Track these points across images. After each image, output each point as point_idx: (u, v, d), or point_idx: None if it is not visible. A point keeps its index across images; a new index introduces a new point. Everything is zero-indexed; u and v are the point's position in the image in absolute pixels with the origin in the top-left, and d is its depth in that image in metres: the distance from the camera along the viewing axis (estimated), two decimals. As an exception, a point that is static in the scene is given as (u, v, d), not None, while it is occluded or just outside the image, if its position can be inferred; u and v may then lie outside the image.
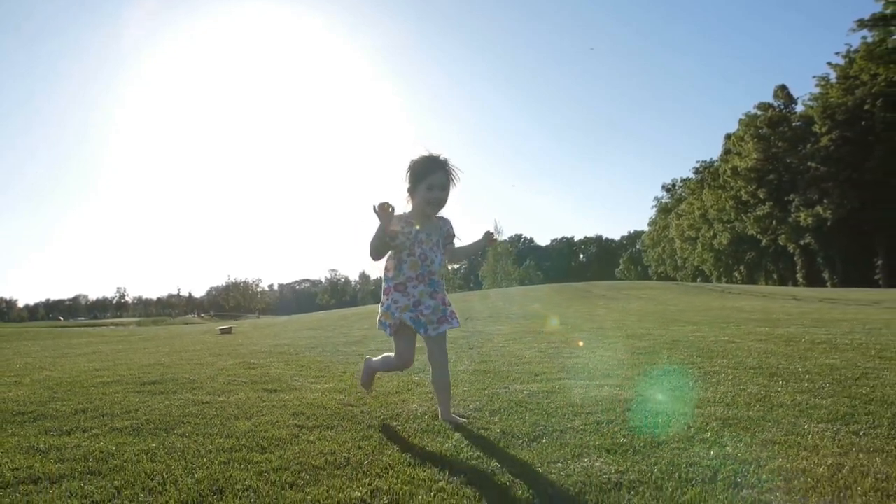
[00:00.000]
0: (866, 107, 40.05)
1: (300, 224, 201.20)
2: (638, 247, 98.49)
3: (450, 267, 2.94)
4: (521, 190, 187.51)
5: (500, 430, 2.51)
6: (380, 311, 2.77)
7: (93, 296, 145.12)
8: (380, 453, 2.21)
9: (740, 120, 52.56)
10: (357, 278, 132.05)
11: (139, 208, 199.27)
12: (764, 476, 1.85)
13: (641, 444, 2.25)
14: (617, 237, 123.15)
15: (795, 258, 49.56)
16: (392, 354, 2.84)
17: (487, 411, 2.88)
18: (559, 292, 20.18)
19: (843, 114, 41.87)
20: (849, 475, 1.85)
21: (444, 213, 2.80)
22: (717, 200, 56.74)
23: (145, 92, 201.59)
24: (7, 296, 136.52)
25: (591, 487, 1.81)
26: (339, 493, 1.78)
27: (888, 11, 37.62)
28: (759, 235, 51.30)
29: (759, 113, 50.71)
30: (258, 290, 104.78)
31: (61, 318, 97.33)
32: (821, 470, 1.90)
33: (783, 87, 50.90)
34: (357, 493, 1.77)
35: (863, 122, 41.18)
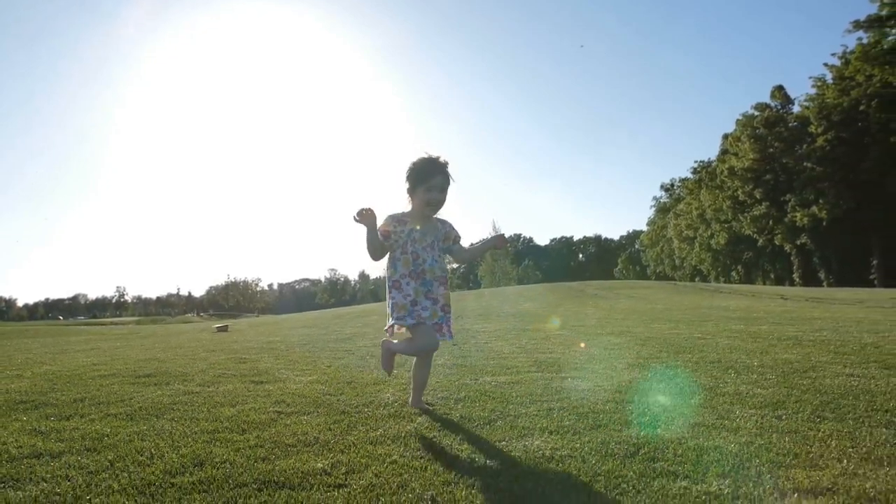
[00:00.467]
0: (862, 108, 40.29)
1: (300, 223, 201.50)
2: (637, 247, 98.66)
3: (448, 267, 3.08)
4: (521, 190, 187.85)
5: (460, 415, 2.76)
6: (388, 315, 2.89)
7: (92, 295, 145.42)
8: (347, 434, 2.45)
9: (737, 120, 52.79)
10: (356, 278, 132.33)
11: (139, 208, 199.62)
12: (680, 452, 2.10)
13: (583, 426, 2.50)
14: (616, 237, 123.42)
15: (792, 258, 49.80)
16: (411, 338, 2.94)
17: (453, 399, 3.13)
18: (553, 291, 20.43)
19: (839, 114, 42.11)
20: (755, 451, 2.10)
21: (442, 213, 2.90)
22: (715, 200, 56.97)
23: (145, 91, 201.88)
24: (6, 295, 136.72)
25: (526, 460, 2.06)
26: (304, 465, 2.03)
27: (883, 13, 37.86)
28: (755, 235, 51.54)
29: (756, 113, 50.94)
30: (258, 289, 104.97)
31: (61, 318, 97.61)
32: (732, 447, 2.15)
33: (780, 88, 51.14)
34: (319, 465, 2.02)
35: (859, 123, 41.44)
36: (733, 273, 60.36)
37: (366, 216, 2.66)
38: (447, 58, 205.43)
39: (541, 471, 1.94)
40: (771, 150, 48.19)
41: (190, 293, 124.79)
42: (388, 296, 2.88)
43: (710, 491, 1.73)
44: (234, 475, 1.93)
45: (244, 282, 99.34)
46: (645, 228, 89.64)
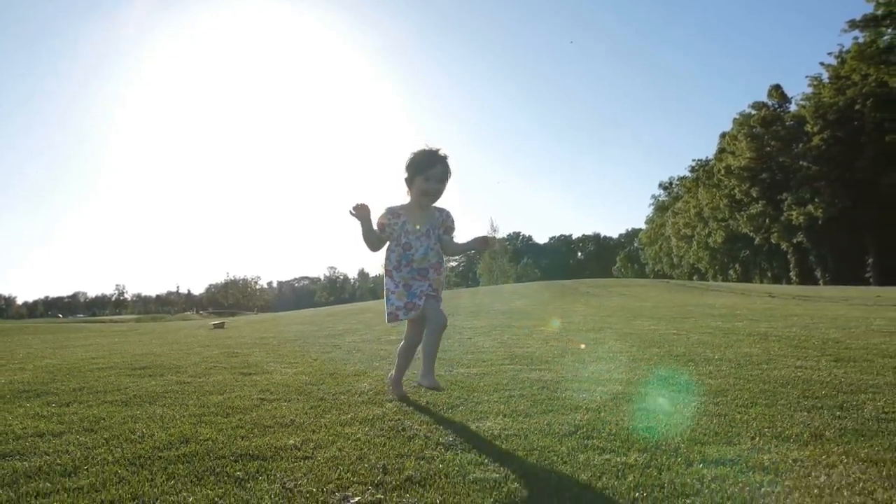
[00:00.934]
0: (857, 107, 40.52)
1: (299, 222, 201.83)
2: (635, 245, 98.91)
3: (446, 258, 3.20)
4: (520, 188, 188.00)
5: (427, 401, 3.02)
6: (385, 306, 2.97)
7: (92, 293, 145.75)
8: (320, 417, 2.71)
9: (734, 119, 53.03)
10: (356, 276, 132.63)
11: (138, 206, 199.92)
12: (614, 432, 2.35)
13: (535, 411, 2.75)
14: (615, 235, 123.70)
15: (789, 256, 50.06)
16: (402, 344, 3.10)
17: (424, 389, 3.37)
18: (547, 289, 20.69)
19: (835, 113, 42.35)
20: (680, 432, 2.35)
21: (445, 205, 2.98)
22: (712, 199, 57.22)
23: (145, 90, 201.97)
24: (6, 293, 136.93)
25: (475, 438, 2.31)
26: (278, 441, 2.28)
27: (879, 12, 38.07)
28: (752, 234, 51.83)
29: (753, 112, 51.17)
30: (257, 287, 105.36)
31: (60, 316, 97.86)
32: (661, 428, 2.40)
33: (777, 87, 51.36)
34: (291, 442, 2.27)
35: (854, 123, 41.67)
36: (731, 271, 60.63)
37: (360, 209, 2.77)
38: (447, 58, 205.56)
39: (486, 446, 2.19)
40: (767, 148, 48.42)
41: (189, 291, 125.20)
42: (385, 284, 2.98)
43: (627, 462, 1.98)
44: (214, 450, 2.18)
45: (243, 280, 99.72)
46: (644, 227, 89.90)
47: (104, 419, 2.75)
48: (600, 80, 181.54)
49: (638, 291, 17.83)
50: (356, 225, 2.87)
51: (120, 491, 1.79)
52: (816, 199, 43.21)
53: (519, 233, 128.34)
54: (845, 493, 1.67)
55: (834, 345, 4.92)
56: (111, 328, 14.54)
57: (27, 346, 7.65)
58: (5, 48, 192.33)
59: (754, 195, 50.15)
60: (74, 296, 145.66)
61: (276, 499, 1.70)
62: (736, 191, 52.12)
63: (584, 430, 2.38)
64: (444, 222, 2.96)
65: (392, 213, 2.88)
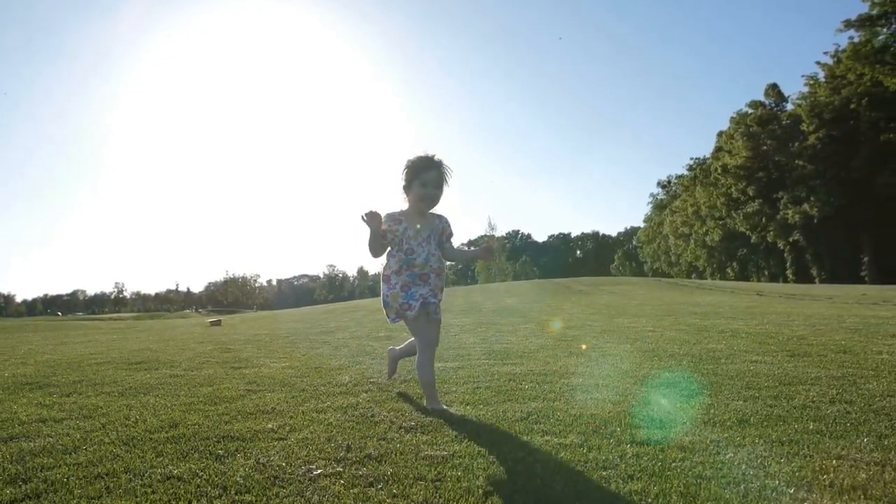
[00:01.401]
0: (852, 106, 40.75)
1: (299, 220, 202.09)
2: (634, 243, 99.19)
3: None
4: (519, 187, 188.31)
5: (398, 392, 3.27)
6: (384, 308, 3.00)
7: (91, 291, 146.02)
8: (300, 405, 2.96)
9: (731, 118, 53.29)
10: (355, 274, 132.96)
11: (138, 204, 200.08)
12: (561, 417, 2.60)
13: (496, 400, 3.00)
14: (614, 233, 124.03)
15: (785, 255, 50.32)
16: (412, 340, 3.10)
17: (399, 380, 3.63)
18: (541, 287, 20.96)
19: (830, 113, 42.58)
20: (621, 417, 2.60)
21: (442, 210, 3.04)
22: (709, 197, 57.48)
23: (143, 89, 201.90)
24: (5, 291, 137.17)
25: (435, 424, 2.55)
26: (258, 426, 2.54)
27: (874, 12, 38.29)
28: (748, 232, 52.07)
29: (750, 111, 51.42)
30: (256, 285, 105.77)
31: (59, 314, 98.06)
32: (606, 415, 2.64)
33: (774, 86, 51.57)
34: (270, 426, 2.53)
35: (850, 122, 41.91)
36: (728, 270, 60.85)
37: (372, 217, 2.82)
38: (447, 58, 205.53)
39: (443, 430, 2.44)
40: (764, 147, 48.66)
41: (189, 289, 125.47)
42: (382, 288, 3.03)
43: (564, 442, 2.23)
44: (200, 433, 2.44)
45: (243, 278, 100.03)
46: (642, 225, 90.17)
47: (101, 407, 3.00)
48: (600, 80, 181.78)
49: (628, 290, 18.10)
50: (362, 229, 2.93)
51: (114, 465, 2.04)
52: (812, 198, 43.46)
53: (518, 231, 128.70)
54: (743, 468, 1.92)
55: (797, 341, 5.17)
56: (110, 326, 14.79)
57: (28, 342, 7.90)
58: (4, 48, 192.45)
59: (751, 194, 50.41)
60: (73, 294, 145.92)
61: (250, 471, 1.95)
62: (732, 189, 52.38)
63: (535, 416, 2.63)
64: (445, 230, 3.04)
65: (393, 218, 2.94)
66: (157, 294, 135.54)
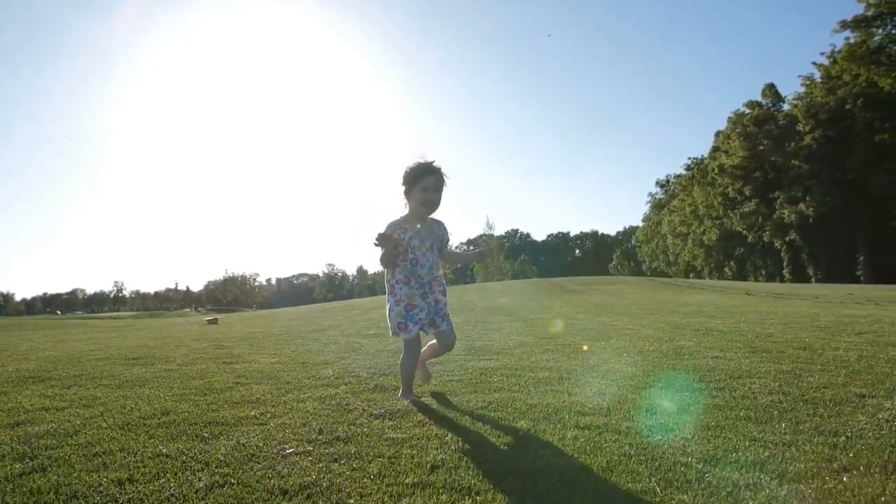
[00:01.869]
0: (848, 106, 41.03)
1: (299, 219, 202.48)
2: (633, 242, 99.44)
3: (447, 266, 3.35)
4: (519, 187, 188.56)
5: (375, 384, 3.52)
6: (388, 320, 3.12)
7: (90, 290, 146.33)
8: (283, 395, 3.21)
9: (728, 118, 53.60)
10: (354, 272, 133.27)
11: (137, 203, 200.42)
12: (518, 406, 2.86)
13: (464, 391, 3.26)
14: (612, 233, 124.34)
15: (782, 254, 50.61)
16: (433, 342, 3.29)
17: (380, 374, 3.88)
18: (535, 286, 21.22)
19: (826, 113, 42.86)
20: (571, 406, 2.85)
21: (441, 212, 3.11)
22: (707, 197, 57.76)
23: (143, 88, 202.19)
24: (4, 290, 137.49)
25: (404, 411, 2.81)
26: (241, 413, 2.79)
27: (870, 13, 38.51)
28: (745, 232, 52.36)
29: (747, 111, 51.69)
30: (256, 284, 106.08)
31: (58, 312, 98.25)
32: (560, 404, 2.90)
33: (771, 86, 51.84)
34: (253, 413, 2.78)
35: (846, 122, 42.18)
36: (726, 269, 61.13)
37: (385, 240, 2.88)
38: (447, 58, 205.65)
39: (408, 417, 2.69)
40: (760, 147, 48.93)
41: (188, 288, 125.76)
42: (387, 298, 3.12)
43: (515, 426, 2.49)
44: (189, 419, 2.69)
45: (242, 276, 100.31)
46: (641, 224, 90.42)
47: (100, 398, 3.25)
48: (600, 80, 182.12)
49: (620, 289, 18.36)
50: (363, 230, 3.18)
51: (111, 445, 2.29)
52: (808, 198, 43.75)
53: (517, 230, 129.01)
54: (665, 448, 2.18)
55: (764, 339, 5.42)
56: (109, 324, 15.04)
57: (29, 340, 8.16)
58: (4, 48, 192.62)
59: (747, 193, 50.70)
60: (73, 293, 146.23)
61: (231, 451, 2.20)
62: (729, 189, 52.66)
63: (495, 405, 2.89)
64: (444, 237, 3.11)
65: (399, 227, 2.99)
66: (156, 293, 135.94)
